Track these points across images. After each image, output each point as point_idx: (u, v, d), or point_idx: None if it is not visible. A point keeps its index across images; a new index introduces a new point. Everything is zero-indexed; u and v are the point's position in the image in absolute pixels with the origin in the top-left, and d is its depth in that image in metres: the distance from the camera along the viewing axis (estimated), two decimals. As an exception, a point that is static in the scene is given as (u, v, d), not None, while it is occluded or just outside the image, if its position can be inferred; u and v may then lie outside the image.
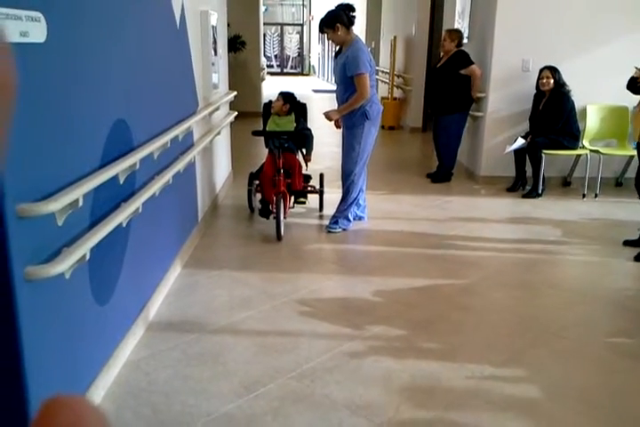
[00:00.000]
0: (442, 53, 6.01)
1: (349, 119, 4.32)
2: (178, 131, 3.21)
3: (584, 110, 5.60)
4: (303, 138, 4.51)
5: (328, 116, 4.35)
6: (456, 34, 5.86)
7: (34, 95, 1.77)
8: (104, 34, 2.34)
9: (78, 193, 1.92)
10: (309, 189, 4.79)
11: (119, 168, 2.29)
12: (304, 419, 2.21)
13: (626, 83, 4.64)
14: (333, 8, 4.29)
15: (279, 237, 4.17)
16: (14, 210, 1.65)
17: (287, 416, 2.22)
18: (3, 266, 1.64)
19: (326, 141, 7.25)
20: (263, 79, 11.72)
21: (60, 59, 1.94)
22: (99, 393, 2.26)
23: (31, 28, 1.73)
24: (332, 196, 4.72)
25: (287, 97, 4.57)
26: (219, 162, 5.16)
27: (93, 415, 0.24)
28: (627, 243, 4.13)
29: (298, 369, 2.54)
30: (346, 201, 4.46)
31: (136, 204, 2.46)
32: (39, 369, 1.79)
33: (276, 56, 25.59)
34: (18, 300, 1.67)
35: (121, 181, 2.42)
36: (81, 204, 1.96)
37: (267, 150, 4.58)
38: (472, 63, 5.72)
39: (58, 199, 1.80)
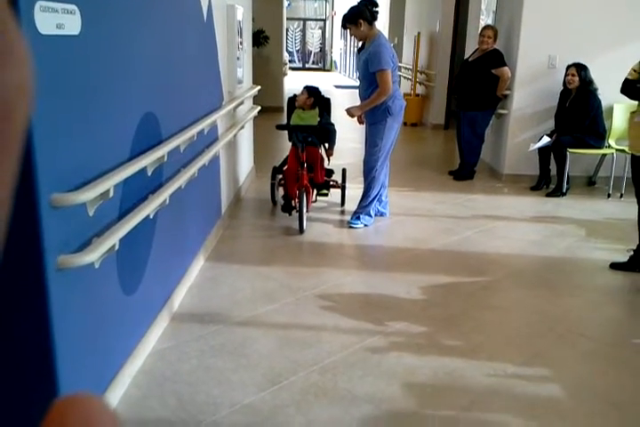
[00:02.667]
0: (477, 48, 5.89)
1: (372, 115, 4.31)
2: (204, 124, 3.23)
3: (611, 109, 5.52)
4: (326, 132, 4.51)
5: (350, 112, 4.35)
6: (496, 31, 5.77)
7: (67, 87, 1.79)
8: (135, 27, 2.36)
9: (109, 184, 1.94)
10: (332, 183, 4.80)
11: (148, 160, 2.32)
12: (326, 412, 2.22)
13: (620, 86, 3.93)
14: (356, 3, 4.26)
15: (301, 231, 4.19)
16: (48, 200, 1.68)
17: (309, 409, 2.24)
18: (36, 255, 1.67)
19: (348, 137, 7.24)
20: (285, 74, 11.72)
21: (92, 51, 1.97)
22: (125, 381, 2.30)
23: (67, 21, 1.75)
24: (354, 191, 4.72)
25: (312, 91, 4.57)
26: (242, 156, 5.19)
27: (104, 415, 0.24)
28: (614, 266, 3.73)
29: (320, 363, 2.55)
30: (367, 197, 4.45)
31: (163, 196, 2.48)
32: (69, 357, 1.82)
33: (297, 51, 25.57)
34: (50, 288, 1.71)
35: (149, 173, 2.45)
36: (112, 195, 1.99)
37: (288, 145, 4.59)
38: (505, 64, 5.65)
39: (90, 190, 1.83)
